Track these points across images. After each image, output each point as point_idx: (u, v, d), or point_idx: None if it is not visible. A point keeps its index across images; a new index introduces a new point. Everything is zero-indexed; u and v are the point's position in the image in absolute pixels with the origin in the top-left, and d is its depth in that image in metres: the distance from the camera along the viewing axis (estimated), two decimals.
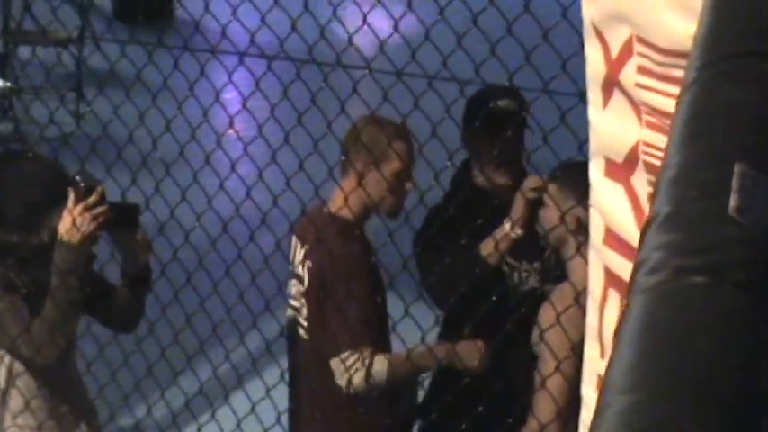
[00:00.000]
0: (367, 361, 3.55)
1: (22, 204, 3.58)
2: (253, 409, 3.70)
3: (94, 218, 3.48)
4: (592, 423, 0.99)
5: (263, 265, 3.69)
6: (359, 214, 3.69)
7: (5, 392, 3.66)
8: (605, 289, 2.09)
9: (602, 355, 2.09)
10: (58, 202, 3.52)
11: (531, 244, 3.86)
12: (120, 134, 4.01)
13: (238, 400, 3.91)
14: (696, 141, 1.19)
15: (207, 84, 3.76)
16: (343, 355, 3.56)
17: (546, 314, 3.58)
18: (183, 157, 3.78)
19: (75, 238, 3.48)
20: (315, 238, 3.61)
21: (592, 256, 2.15)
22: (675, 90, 1.65)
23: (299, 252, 3.73)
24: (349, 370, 3.55)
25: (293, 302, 3.76)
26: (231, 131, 4.02)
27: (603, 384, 1.04)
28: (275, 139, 3.67)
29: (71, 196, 3.48)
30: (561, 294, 3.59)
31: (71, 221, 3.47)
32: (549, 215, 3.70)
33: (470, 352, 3.66)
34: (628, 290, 1.20)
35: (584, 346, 2.18)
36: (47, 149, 4.31)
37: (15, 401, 3.66)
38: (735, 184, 1.09)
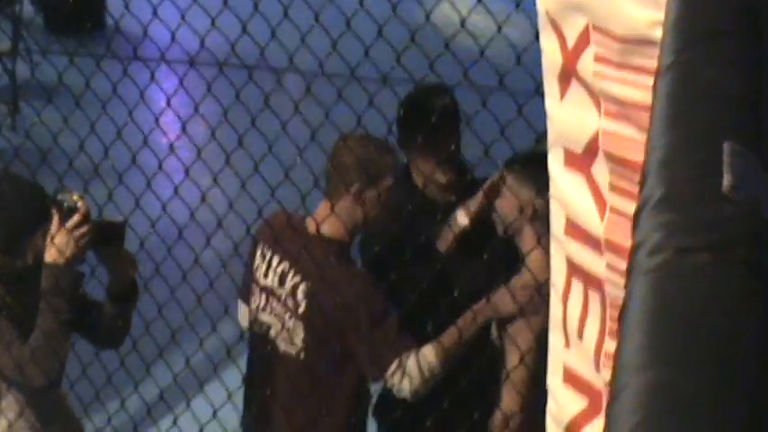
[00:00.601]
0: (413, 357, 3.50)
1: (4, 227, 3.51)
2: (215, 415, 3.69)
3: (79, 238, 3.43)
4: (608, 409, 0.98)
5: (221, 270, 3.66)
6: (352, 234, 3.65)
7: None
8: (568, 279, 2.08)
9: (567, 345, 2.08)
10: (42, 223, 3.46)
11: (483, 237, 3.79)
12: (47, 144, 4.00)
13: (199, 405, 3.88)
14: (681, 123, 1.20)
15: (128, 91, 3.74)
16: (391, 370, 3.51)
17: (505, 305, 3.61)
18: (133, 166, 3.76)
19: (61, 259, 3.42)
20: (310, 262, 3.53)
21: (553, 246, 2.13)
22: (634, 77, 1.76)
23: (275, 266, 3.64)
24: (404, 377, 3.50)
25: (271, 319, 3.67)
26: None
27: (615, 368, 1.04)
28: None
29: (54, 217, 3.43)
30: (520, 284, 3.60)
31: (56, 243, 3.42)
32: (506, 205, 3.69)
33: (504, 297, 3.62)
34: (627, 272, 1.20)
35: (549, 337, 2.14)
36: None
37: (0, 423, 3.60)
38: (726, 162, 1.10)
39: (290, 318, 3.60)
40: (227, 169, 3.50)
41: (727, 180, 1.10)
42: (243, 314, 3.82)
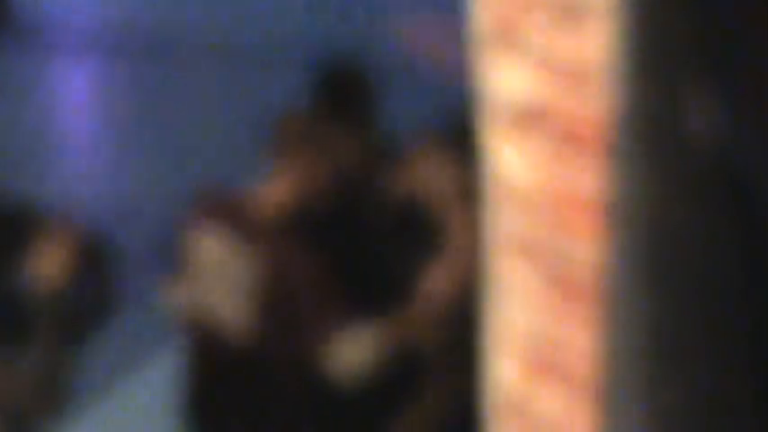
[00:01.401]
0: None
1: None
2: None
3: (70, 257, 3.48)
4: None
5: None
6: (300, 209, 3.79)
7: None
8: (505, 250, 2.26)
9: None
10: (25, 244, 3.51)
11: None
12: None
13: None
14: (647, 76, 1.34)
15: None
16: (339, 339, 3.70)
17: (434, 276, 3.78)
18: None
19: (55, 281, 3.46)
20: (264, 239, 3.67)
21: (486, 213, 2.33)
22: (570, 40, 1.99)
23: (216, 245, 3.73)
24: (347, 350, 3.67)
25: (218, 306, 3.76)
26: None
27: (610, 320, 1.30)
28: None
29: (47, 235, 3.47)
30: (448, 255, 3.79)
31: (51, 262, 3.44)
32: (425, 182, 3.85)
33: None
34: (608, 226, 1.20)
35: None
36: None
37: None
38: (694, 109, 1.23)
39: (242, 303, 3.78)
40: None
41: (691, 124, 1.24)
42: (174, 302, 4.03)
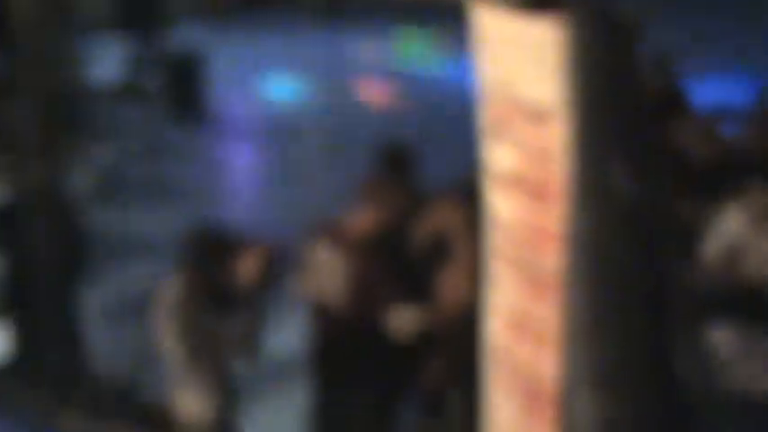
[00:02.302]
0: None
1: (211, 260, 4.26)
2: None
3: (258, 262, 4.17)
4: None
5: None
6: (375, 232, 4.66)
7: None
8: (494, 259, 2.58)
9: (494, 298, 2.60)
10: (231, 256, 4.21)
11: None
12: None
13: None
14: (584, 153, 1.73)
15: None
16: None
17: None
18: None
19: (251, 279, 4.17)
20: (355, 251, 4.55)
21: (484, 239, 2.66)
22: (537, 131, 2.30)
23: (323, 253, 4.59)
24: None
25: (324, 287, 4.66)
26: None
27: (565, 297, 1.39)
28: None
29: (245, 250, 4.20)
30: (460, 265, 4.45)
31: (248, 266, 4.15)
32: (443, 221, 4.61)
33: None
34: (563, 241, 1.61)
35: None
36: None
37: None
38: (614, 172, 1.58)
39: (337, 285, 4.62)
40: None
41: (616, 182, 1.55)
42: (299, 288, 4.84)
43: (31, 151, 4.75)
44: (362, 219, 4.65)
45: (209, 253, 4.30)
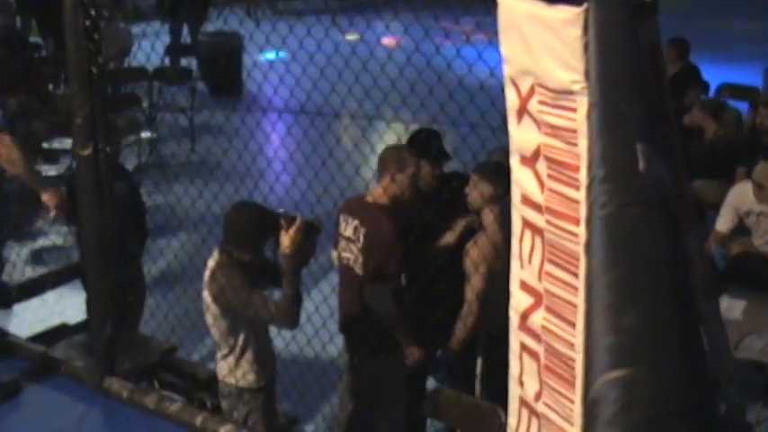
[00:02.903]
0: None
1: (254, 236, 4.26)
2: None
3: (298, 236, 4.14)
4: (586, 296, 1.21)
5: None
6: (391, 201, 4.64)
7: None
8: (522, 229, 2.50)
9: (522, 267, 2.52)
10: (271, 232, 4.19)
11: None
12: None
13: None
14: (610, 133, 1.53)
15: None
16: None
17: (471, 252, 4.52)
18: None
19: (291, 250, 4.14)
20: (367, 216, 4.58)
21: (513, 211, 2.56)
22: (560, 112, 2.22)
23: (350, 223, 4.65)
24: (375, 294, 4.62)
25: (347, 254, 4.69)
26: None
27: (588, 273, 1.30)
28: None
29: (283, 225, 4.14)
30: (481, 239, 4.52)
31: (287, 240, 4.12)
32: (474, 195, 4.57)
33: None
34: (586, 219, 1.44)
35: (511, 262, 2.58)
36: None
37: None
38: (640, 155, 1.40)
39: (357, 252, 4.63)
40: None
41: (641, 164, 1.38)
42: (334, 255, 4.93)
43: (87, 131, 4.68)
44: (382, 191, 4.66)
45: (251, 227, 4.20)
